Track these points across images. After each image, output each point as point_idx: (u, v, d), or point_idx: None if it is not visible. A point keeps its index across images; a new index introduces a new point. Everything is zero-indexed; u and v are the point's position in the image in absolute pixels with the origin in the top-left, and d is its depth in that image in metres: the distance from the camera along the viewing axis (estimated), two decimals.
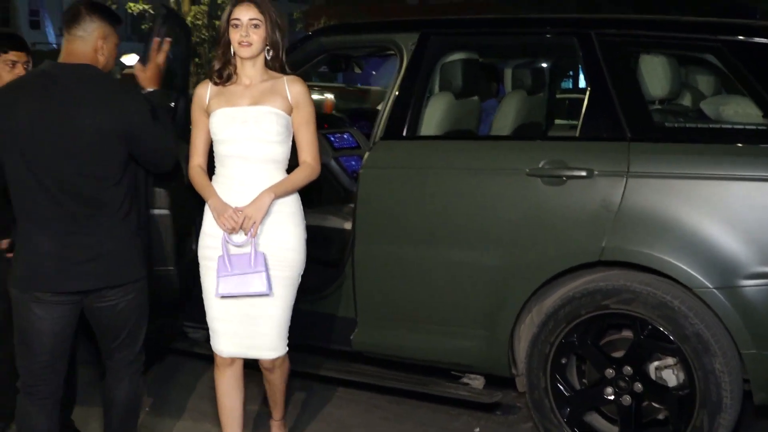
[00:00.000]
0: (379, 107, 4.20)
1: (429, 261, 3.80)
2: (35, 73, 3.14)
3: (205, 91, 3.34)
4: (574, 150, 3.59)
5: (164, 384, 4.57)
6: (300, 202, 3.38)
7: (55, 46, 31.12)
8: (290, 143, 3.34)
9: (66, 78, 3.02)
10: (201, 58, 22.41)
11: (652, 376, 3.48)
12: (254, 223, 3.20)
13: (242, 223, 3.21)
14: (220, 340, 3.38)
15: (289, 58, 4.44)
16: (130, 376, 3.26)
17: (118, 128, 3.00)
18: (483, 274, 3.69)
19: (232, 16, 3.26)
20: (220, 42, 3.33)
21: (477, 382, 4.05)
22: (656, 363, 3.48)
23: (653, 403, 3.50)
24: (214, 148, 3.33)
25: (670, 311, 3.34)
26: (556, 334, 3.54)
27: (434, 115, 4.07)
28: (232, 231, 3.22)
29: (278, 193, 3.26)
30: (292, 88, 3.30)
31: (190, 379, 4.63)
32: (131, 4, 21.37)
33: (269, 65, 3.32)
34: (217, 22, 22.16)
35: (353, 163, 5.67)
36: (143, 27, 22.80)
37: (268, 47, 3.29)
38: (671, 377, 3.46)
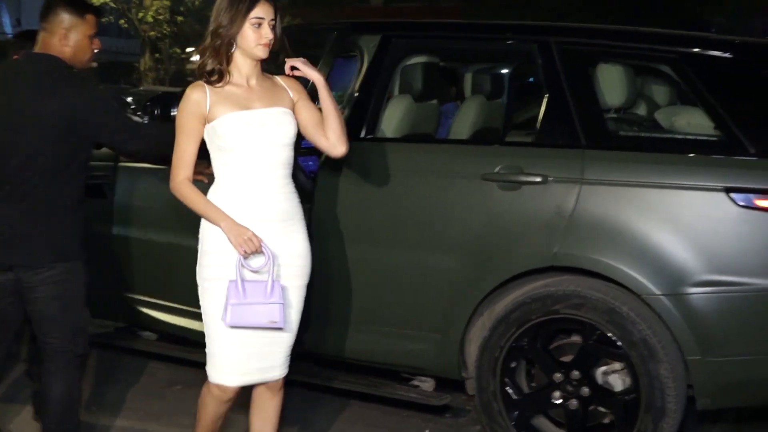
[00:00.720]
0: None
1: (384, 263, 3.82)
2: (8, 63, 3.24)
3: (203, 96, 3.01)
4: (530, 156, 3.64)
5: (111, 382, 4.53)
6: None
7: (10, 36, 30.63)
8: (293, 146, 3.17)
9: (27, 68, 3.10)
10: (162, 53, 22.23)
11: (599, 381, 3.54)
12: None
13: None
14: (228, 371, 3.05)
15: None
16: (63, 371, 3.20)
17: (64, 116, 3.04)
18: (437, 277, 3.72)
19: (253, 14, 3.01)
20: (220, 37, 3.02)
21: (427, 384, 4.07)
22: (603, 368, 3.53)
23: (599, 408, 3.56)
24: (216, 158, 3.05)
25: (618, 317, 3.40)
26: (507, 338, 3.58)
27: (393, 118, 4.10)
28: (249, 255, 2.97)
29: (326, 92, 3.14)
30: (289, 85, 3.16)
31: (137, 378, 4.61)
32: None
33: (263, 67, 3.15)
34: (179, 18, 22.06)
35: (311, 163, 5.67)
36: (103, 20, 22.53)
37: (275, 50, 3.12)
38: (617, 382, 3.52)
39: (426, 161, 3.83)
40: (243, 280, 2.95)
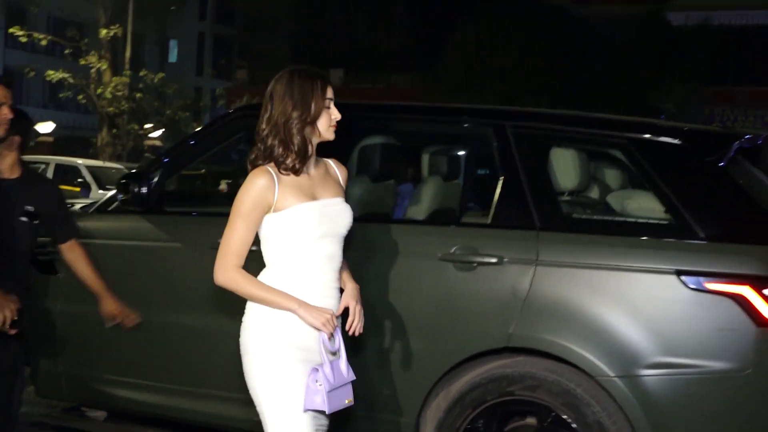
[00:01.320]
0: None
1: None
2: None
3: (271, 183, 2.82)
4: (486, 237, 3.69)
5: None
6: None
7: None
8: None
9: None
10: (119, 128, 22.22)
11: None
12: (361, 317, 2.97)
13: (355, 323, 2.95)
14: None
15: (209, 134, 4.52)
16: None
17: None
18: (393, 357, 3.71)
19: (329, 95, 2.90)
20: (294, 124, 2.85)
21: None
22: None
23: None
24: (275, 248, 2.88)
25: (573, 399, 3.40)
26: (462, 419, 3.56)
27: (350, 197, 4.12)
28: (331, 335, 2.87)
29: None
30: (341, 171, 3.06)
31: None
32: (50, 72, 21.13)
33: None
34: (138, 95, 22.12)
35: None
36: (61, 96, 22.54)
37: None
38: None
39: (383, 240, 3.85)
40: (330, 363, 2.84)
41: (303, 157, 2.89)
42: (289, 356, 2.84)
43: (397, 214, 4.73)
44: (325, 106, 2.91)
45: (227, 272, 2.86)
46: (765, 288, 3.28)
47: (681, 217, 3.47)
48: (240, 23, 43.83)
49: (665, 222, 3.56)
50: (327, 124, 2.92)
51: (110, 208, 4.46)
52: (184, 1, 26.62)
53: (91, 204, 4.68)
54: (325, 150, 4.03)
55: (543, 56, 22.90)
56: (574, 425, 3.41)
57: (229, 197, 6.22)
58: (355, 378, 2.92)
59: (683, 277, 3.35)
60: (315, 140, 2.94)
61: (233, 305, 3.95)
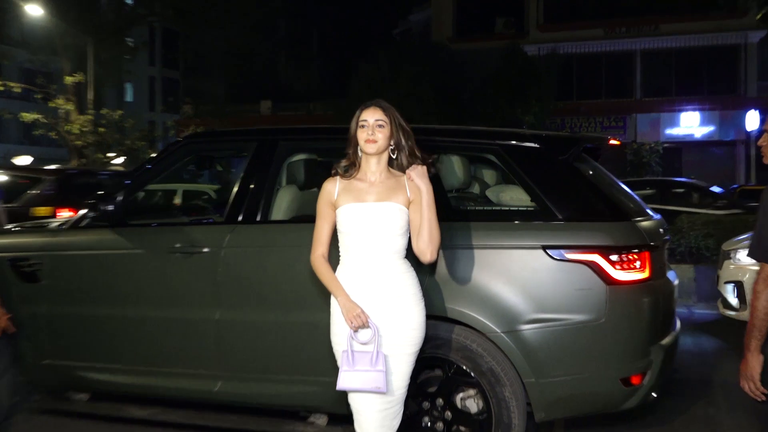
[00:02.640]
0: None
1: (281, 324, 3.76)
2: None
3: (333, 187, 3.01)
4: None
5: None
6: (418, 281, 3.05)
7: None
8: (408, 235, 3.02)
9: None
10: (87, 158, 21.51)
11: (459, 406, 3.55)
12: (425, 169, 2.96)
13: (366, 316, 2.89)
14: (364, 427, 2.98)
15: (163, 159, 4.41)
16: None
17: None
18: (323, 331, 3.67)
19: (361, 118, 3.01)
20: (350, 143, 3.04)
21: (321, 420, 3.98)
22: (461, 394, 3.56)
23: (461, 428, 3.56)
24: (340, 239, 3.01)
25: (469, 353, 3.44)
26: None
27: (282, 204, 4.10)
28: (358, 329, 2.90)
29: (427, 203, 2.97)
30: (411, 185, 3.00)
31: None
32: (24, 114, 20.27)
33: (392, 164, 3.06)
34: (101, 130, 21.45)
35: None
36: (35, 133, 21.67)
37: (392, 146, 3.02)
38: (473, 405, 3.54)
39: (309, 237, 3.80)
40: (353, 351, 2.89)
41: (353, 164, 3.02)
42: (337, 337, 2.99)
43: None
44: (359, 126, 3.01)
45: (313, 258, 3.04)
46: (611, 254, 3.39)
47: (543, 204, 3.54)
48: (183, 66, 43.00)
49: (532, 209, 3.63)
50: (361, 140, 3.00)
51: (82, 224, 4.30)
52: (136, 50, 25.92)
53: (66, 221, 4.51)
54: (261, 167, 4.03)
55: (430, 85, 23.12)
56: (472, 374, 3.45)
57: (184, 210, 6.11)
58: (383, 370, 2.87)
59: (548, 251, 3.43)
60: (363, 154, 3.02)
61: (184, 297, 3.87)
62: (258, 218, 3.96)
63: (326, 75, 38.91)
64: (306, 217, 4.26)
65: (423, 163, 3.03)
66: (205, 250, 3.95)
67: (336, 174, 3.06)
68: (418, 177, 3.00)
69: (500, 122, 20.93)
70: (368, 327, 2.90)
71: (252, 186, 4.03)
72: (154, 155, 4.75)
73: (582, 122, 26.82)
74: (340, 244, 3.03)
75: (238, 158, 5.44)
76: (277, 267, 3.82)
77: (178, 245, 3.99)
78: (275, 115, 31.22)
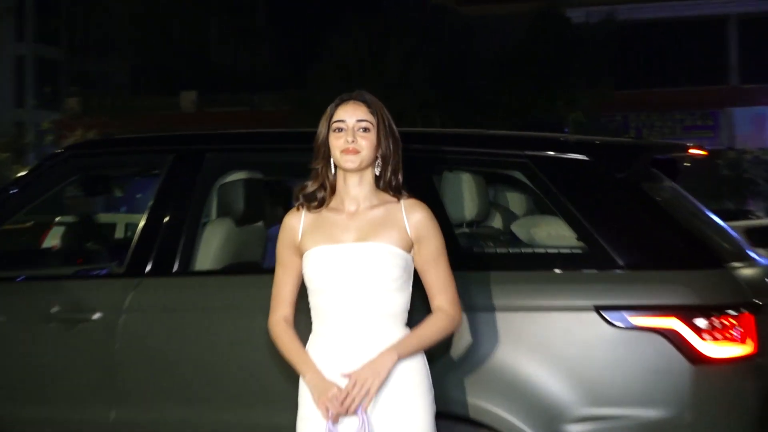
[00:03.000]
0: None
1: (216, 428, 3.80)
2: None
3: (297, 223, 3.07)
4: None
5: None
6: (428, 366, 3.06)
7: None
8: (410, 289, 3.05)
9: None
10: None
11: None
12: (368, 393, 2.88)
13: (348, 401, 2.88)
14: None
15: (35, 179, 4.39)
16: None
17: None
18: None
19: (335, 118, 3.01)
20: (317, 154, 3.06)
21: None
22: None
23: None
24: (310, 300, 3.05)
25: None
26: None
27: (211, 246, 4.11)
28: (337, 417, 2.91)
29: (404, 353, 2.93)
30: (411, 215, 3.02)
31: None
32: None
33: (379, 185, 3.07)
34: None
35: None
36: None
37: (378, 160, 3.03)
38: None
39: (250, 297, 3.82)
40: None
41: (322, 186, 3.06)
42: (304, 426, 3.04)
43: (269, 263, 4.69)
44: (332, 129, 3.02)
45: (270, 324, 3.11)
46: (695, 318, 3.40)
47: (596, 244, 3.56)
48: (67, 42, 43.08)
49: (578, 251, 3.66)
50: (337, 148, 3.00)
51: None
52: None
53: None
54: (179, 191, 4.04)
55: (429, 67, 23.34)
56: None
57: (64, 254, 6.07)
58: None
59: (604, 313, 3.44)
60: (345, 168, 3.02)
61: (63, 387, 3.85)
62: (175, 268, 3.97)
63: (279, 54, 39.14)
64: (248, 266, 4.28)
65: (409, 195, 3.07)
66: (96, 316, 3.94)
67: (300, 204, 3.08)
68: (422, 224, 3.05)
69: (531, 122, 21.09)
70: (353, 415, 2.91)
71: (166, 220, 4.04)
72: (22, 174, 4.74)
73: (654, 120, 27.18)
74: (311, 307, 3.06)
75: (145, 178, 5.45)
76: (205, 341, 3.82)
77: (55, 309, 3.98)
78: (202, 113, 31.38)
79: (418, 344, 2.99)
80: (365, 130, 3.00)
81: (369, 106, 3.03)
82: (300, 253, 3.05)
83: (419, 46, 23.29)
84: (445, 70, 23.68)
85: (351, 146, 2.98)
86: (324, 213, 3.06)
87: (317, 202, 3.06)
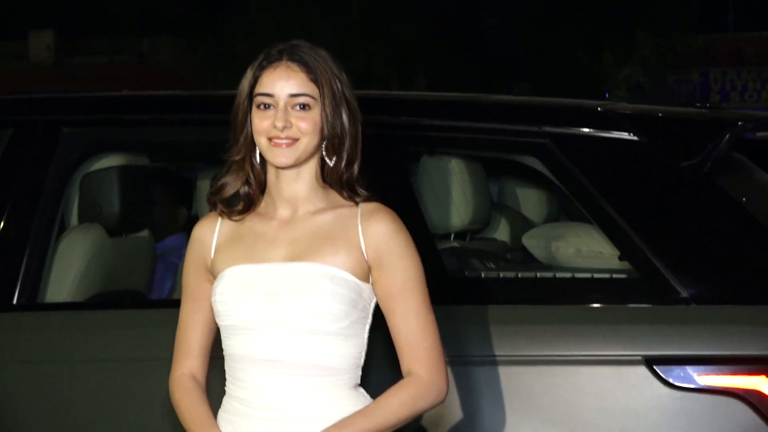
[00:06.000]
0: None
1: None
2: None
3: (209, 235, 3.13)
4: None
5: None
6: None
7: None
8: (365, 335, 3.06)
9: None
10: None
11: None
12: None
13: None
14: None
15: None
16: None
17: None
18: None
19: (259, 89, 3.03)
20: (236, 134, 3.08)
21: None
22: None
23: None
24: (223, 343, 3.08)
25: None
26: None
27: (70, 268, 4.15)
28: None
29: None
30: (370, 225, 3.02)
31: None
32: None
33: (327, 178, 3.10)
34: None
35: None
36: None
37: (326, 144, 3.05)
38: None
39: (126, 342, 3.87)
40: None
41: (246, 181, 3.09)
42: None
43: (158, 292, 4.70)
44: (256, 105, 3.03)
45: (170, 380, 3.17)
46: None
47: (648, 266, 3.60)
48: None
49: (621, 275, 3.70)
50: (262, 134, 3.01)
51: None
52: None
53: None
54: (22, 182, 4.04)
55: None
56: None
57: None
58: None
59: (659, 368, 3.47)
60: (276, 165, 3.04)
61: None
62: (15, 299, 3.99)
63: None
64: (128, 296, 4.27)
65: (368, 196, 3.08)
66: None
67: (218, 207, 3.11)
68: (382, 234, 3.05)
69: (560, 83, 21.22)
70: None
71: (2, 226, 4.05)
72: None
73: (747, 79, 27.29)
74: (224, 357, 3.10)
75: None
76: (66, 406, 3.88)
77: None
78: (61, 66, 31.25)
79: (375, 425, 2.98)
80: (304, 107, 3.00)
81: (309, 69, 3.02)
82: (212, 278, 3.09)
83: None
84: (435, 4, 23.74)
85: (283, 134, 2.99)
86: (248, 220, 3.10)
87: (241, 207, 3.09)
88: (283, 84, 3.00)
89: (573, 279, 3.79)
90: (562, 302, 3.66)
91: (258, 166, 3.08)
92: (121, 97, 4.55)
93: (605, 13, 22.75)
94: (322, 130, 3.02)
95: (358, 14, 23.12)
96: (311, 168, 3.06)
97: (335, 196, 3.08)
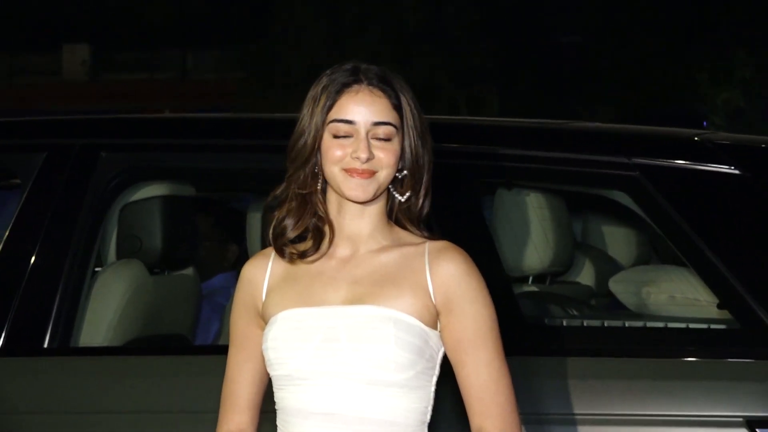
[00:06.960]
0: None
1: None
2: None
3: (261, 274, 3.14)
4: None
5: None
6: None
7: None
8: (433, 387, 3.05)
9: None
10: None
11: None
12: None
13: None
14: None
15: None
16: None
17: None
18: None
19: (338, 115, 3.00)
20: (302, 164, 3.06)
21: None
22: None
23: None
24: (275, 395, 3.09)
25: None
26: None
27: (107, 308, 4.18)
28: None
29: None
30: (439, 266, 3.00)
31: None
32: None
33: (392, 215, 3.11)
34: None
35: None
36: None
37: (402, 178, 3.06)
38: None
39: (167, 392, 3.90)
40: None
41: (304, 232, 3.09)
42: None
43: (203, 336, 4.72)
44: (329, 132, 3.01)
45: None
46: None
47: (750, 315, 3.59)
48: None
49: (720, 325, 3.71)
50: (333, 163, 3.00)
51: None
52: None
53: None
54: (55, 214, 4.07)
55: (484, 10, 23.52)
56: None
57: None
58: None
59: (761, 431, 3.46)
60: (338, 198, 3.06)
61: None
62: (46, 342, 4.01)
63: None
64: (170, 341, 4.30)
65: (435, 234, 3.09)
66: None
67: (286, 252, 3.10)
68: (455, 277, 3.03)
69: (648, 113, 21.13)
70: None
71: (33, 262, 4.09)
72: None
73: None
74: (276, 410, 3.10)
75: None
76: None
77: None
78: (98, 79, 31.48)
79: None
80: (387, 139, 3.00)
81: (393, 95, 3.02)
82: (263, 323, 3.09)
83: None
84: (511, 15, 23.79)
85: (364, 166, 2.98)
86: (304, 263, 3.09)
87: (310, 245, 3.08)
88: (366, 110, 2.98)
89: (665, 329, 3.79)
90: (652, 355, 3.65)
91: (319, 199, 3.06)
92: (164, 118, 4.58)
93: (700, 29, 22.69)
94: (399, 161, 3.01)
95: (415, 23, 23.13)
96: (379, 203, 3.06)
97: (400, 234, 3.08)
